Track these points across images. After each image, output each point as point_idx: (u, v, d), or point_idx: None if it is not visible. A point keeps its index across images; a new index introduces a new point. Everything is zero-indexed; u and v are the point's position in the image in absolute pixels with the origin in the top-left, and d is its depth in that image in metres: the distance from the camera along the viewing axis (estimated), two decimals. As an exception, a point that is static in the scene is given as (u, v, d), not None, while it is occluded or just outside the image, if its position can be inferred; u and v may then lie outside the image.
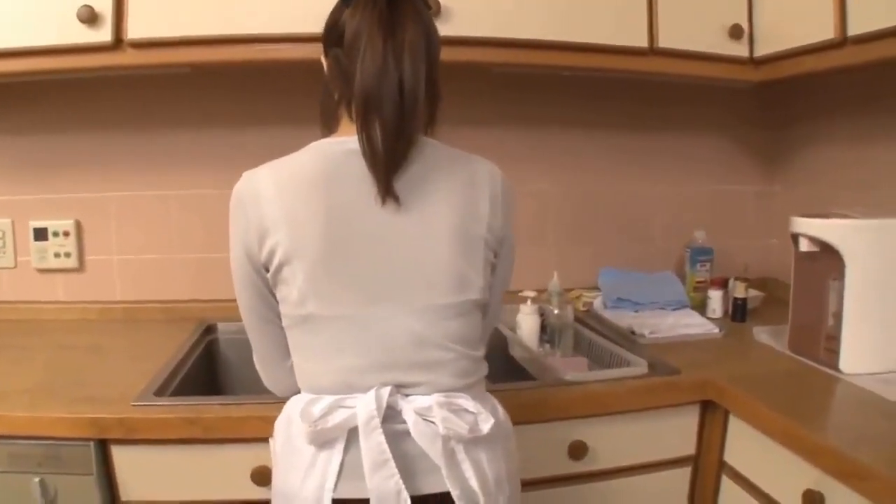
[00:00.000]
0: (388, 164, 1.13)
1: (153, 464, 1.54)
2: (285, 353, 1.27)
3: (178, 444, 1.52)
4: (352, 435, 1.13)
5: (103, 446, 1.52)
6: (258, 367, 1.35)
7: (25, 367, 1.81)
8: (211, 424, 1.50)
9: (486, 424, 1.17)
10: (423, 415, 1.14)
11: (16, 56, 1.78)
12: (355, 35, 1.15)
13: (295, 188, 1.16)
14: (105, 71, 1.93)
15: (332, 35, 1.21)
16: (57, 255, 2.25)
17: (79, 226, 2.26)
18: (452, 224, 1.18)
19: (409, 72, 1.12)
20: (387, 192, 1.14)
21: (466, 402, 1.19)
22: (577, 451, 1.67)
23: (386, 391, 1.14)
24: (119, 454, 1.53)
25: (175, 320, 2.22)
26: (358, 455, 1.11)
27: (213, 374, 2.12)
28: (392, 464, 1.10)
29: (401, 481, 1.09)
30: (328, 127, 1.26)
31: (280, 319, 1.23)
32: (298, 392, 1.26)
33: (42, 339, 2.06)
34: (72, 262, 2.26)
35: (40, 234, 2.24)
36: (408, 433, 1.13)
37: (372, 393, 1.13)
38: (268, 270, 1.19)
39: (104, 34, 1.75)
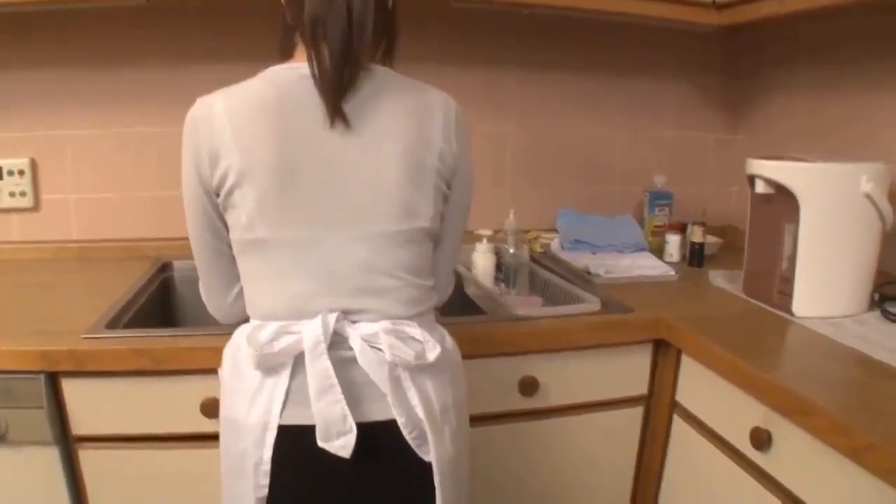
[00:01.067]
0: (335, 88, 1.13)
1: (104, 397, 1.54)
2: (232, 281, 1.27)
3: (128, 377, 1.52)
4: (298, 361, 1.13)
5: (53, 379, 1.51)
6: (204, 295, 1.35)
7: (-25, 305, 1.79)
8: (160, 356, 1.50)
9: (433, 353, 1.17)
10: (369, 341, 1.15)
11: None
12: None
13: (248, 112, 1.15)
14: (56, 4, 1.89)
15: None
16: (12, 194, 2.22)
17: (34, 164, 2.22)
18: (403, 150, 1.17)
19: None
20: (334, 113, 1.13)
21: (413, 329, 1.19)
22: (528, 386, 1.69)
23: (332, 317, 1.14)
24: (69, 387, 1.52)
25: (131, 259, 2.21)
26: (304, 381, 1.12)
27: (168, 311, 2.12)
28: (338, 389, 1.10)
29: (346, 406, 1.10)
30: (285, 55, 1.24)
31: (229, 248, 1.23)
32: (245, 321, 1.25)
33: (-5, 278, 2.05)
34: (27, 202, 2.23)
35: (-6, 174, 2.21)
36: (354, 360, 1.14)
37: (318, 319, 1.13)
38: (219, 196, 1.18)
39: (54, -36, 1.72)
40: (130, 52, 2.19)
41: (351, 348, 1.14)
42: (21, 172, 2.21)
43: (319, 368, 1.11)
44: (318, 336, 1.11)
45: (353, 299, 1.17)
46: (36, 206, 2.25)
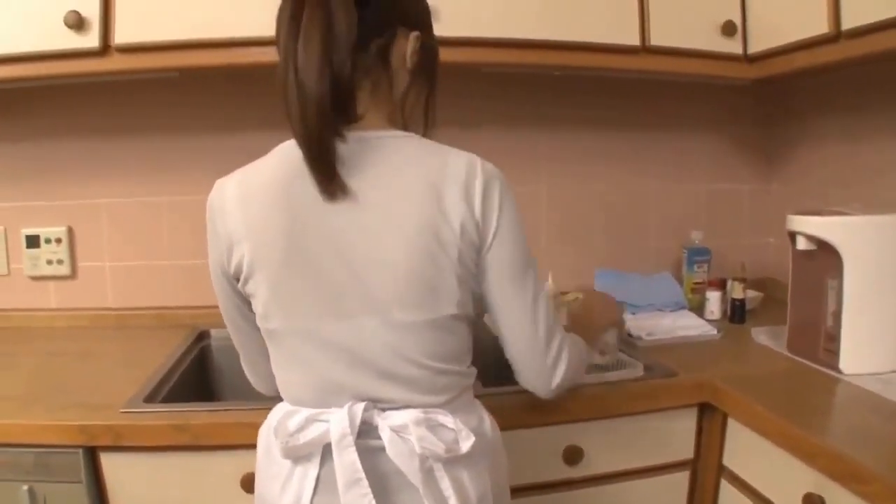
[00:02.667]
0: (313, 158, 1.04)
1: (143, 471, 1.52)
2: (267, 357, 1.24)
3: (168, 452, 1.50)
4: (327, 449, 1.10)
5: (92, 454, 1.51)
6: (245, 370, 1.34)
7: (14, 375, 1.80)
8: (200, 431, 1.48)
9: (466, 443, 1.12)
10: (398, 432, 1.10)
11: (3, 63, 1.77)
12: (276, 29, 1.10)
13: (258, 197, 1.10)
14: (93, 77, 1.92)
15: None
16: (49, 262, 2.24)
17: (71, 232, 2.25)
18: (419, 230, 1.08)
19: (301, 55, 1.02)
20: (325, 184, 1.06)
21: (445, 418, 1.13)
22: (573, 455, 1.65)
23: (360, 407, 1.10)
24: (108, 461, 1.51)
25: (167, 327, 2.21)
26: (333, 469, 1.08)
27: (206, 380, 2.11)
28: (365, 483, 1.07)
29: (374, 501, 1.06)
30: None
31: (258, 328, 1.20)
32: None
33: (32, 346, 2.05)
34: (64, 270, 2.26)
35: (32, 242, 2.23)
36: (383, 449, 1.10)
37: (345, 409, 1.09)
38: (238, 282, 1.15)
39: (91, 39, 1.75)
40: (165, 121, 2.22)
41: (380, 437, 1.10)
42: (58, 241, 2.23)
43: (346, 461, 1.07)
44: (344, 428, 1.08)
45: (379, 388, 1.11)
46: (73, 274, 2.27)
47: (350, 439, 1.07)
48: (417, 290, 1.09)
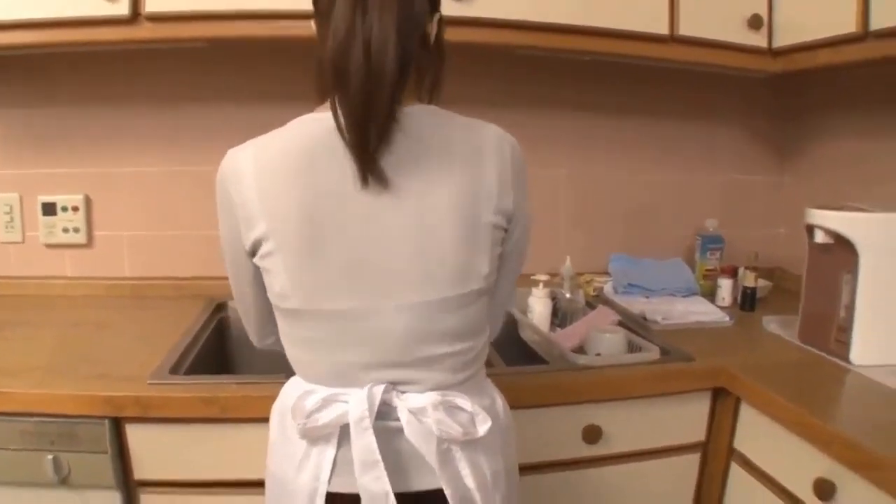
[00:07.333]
0: (361, 141, 1.01)
1: (168, 442, 1.54)
2: (270, 329, 1.23)
3: (194, 423, 1.52)
4: (345, 429, 1.09)
5: (117, 424, 1.52)
6: (245, 324, 1.31)
7: (35, 344, 1.80)
8: (228, 404, 1.49)
9: (483, 426, 1.12)
10: (416, 414, 1.10)
11: (32, 28, 1.76)
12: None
13: (275, 173, 1.07)
14: (122, 45, 1.92)
15: None
16: (65, 230, 2.24)
17: (88, 201, 2.25)
18: (454, 208, 1.07)
19: (376, 30, 0.98)
20: (365, 171, 1.03)
21: (463, 400, 1.13)
22: (592, 434, 1.68)
23: (379, 389, 1.09)
24: (133, 432, 1.53)
25: (184, 297, 2.22)
26: (351, 450, 1.08)
27: (225, 351, 2.11)
28: (381, 466, 1.06)
29: (388, 484, 1.06)
30: (322, 94, 1.11)
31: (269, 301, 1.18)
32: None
33: (51, 315, 2.05)
34: (80, 238, 2.25)
35: (49, 209, 2.22)
36: (401, 430, 1.09)
37: (364, 391, 1.08)
38: (254, 257, 1.12)
39: (122, 7, 1.73)
40: (187, 91, 2.22)
41: (398, 418, 1.10)
42: (75, 209, 2.23)
43: (364, 443, 1.07)
44: (363, 410, 1.07)
45: (401, 370, 1.11)
46: (89, 243, 2.27)
47: (368, 421, 1.07)
48: (452, 273, 1.09)
